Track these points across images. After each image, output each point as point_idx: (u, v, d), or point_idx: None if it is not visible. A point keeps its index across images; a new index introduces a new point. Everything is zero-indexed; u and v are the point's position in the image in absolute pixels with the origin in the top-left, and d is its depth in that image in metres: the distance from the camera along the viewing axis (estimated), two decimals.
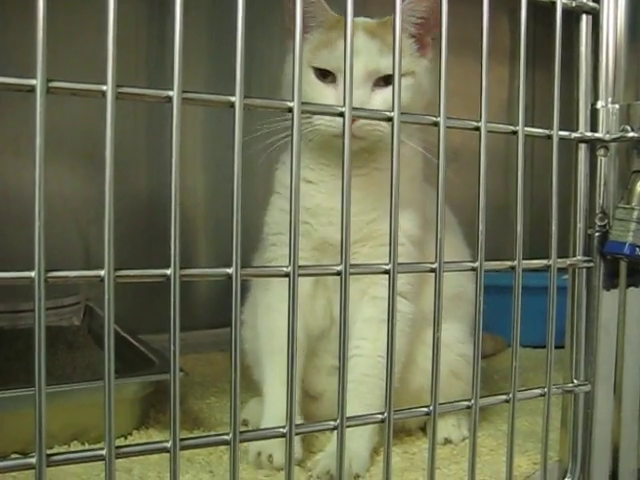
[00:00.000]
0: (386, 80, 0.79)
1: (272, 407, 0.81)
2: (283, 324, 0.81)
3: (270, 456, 0.75)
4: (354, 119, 0.74)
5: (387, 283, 0.80)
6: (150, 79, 1.40)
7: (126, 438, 0.84)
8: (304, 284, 0.80)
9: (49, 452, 0.48)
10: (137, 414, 0.88)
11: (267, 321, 0.86)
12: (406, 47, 0.80)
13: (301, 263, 0.54)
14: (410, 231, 0.81)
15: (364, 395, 0.70)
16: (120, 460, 0.75)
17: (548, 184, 0.67)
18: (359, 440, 0.78)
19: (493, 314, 0.79)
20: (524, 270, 0.65)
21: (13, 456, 0.73)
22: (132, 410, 0.87)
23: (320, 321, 0.86)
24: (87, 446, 0.81)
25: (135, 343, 1.03)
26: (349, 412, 0.55)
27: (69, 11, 1.28)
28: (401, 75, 0.76)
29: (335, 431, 0.56)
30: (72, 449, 0.80)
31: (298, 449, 0.77)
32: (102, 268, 0.48)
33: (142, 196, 1.42)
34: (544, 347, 0.68)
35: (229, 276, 0.53)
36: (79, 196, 1.37)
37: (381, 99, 0.78)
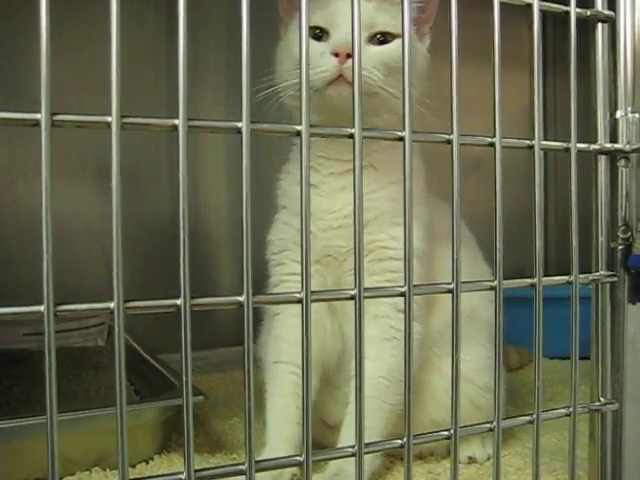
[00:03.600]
0: (381, 40, 0.78)
1: (273, 445, 0.80)
2: (289, 355, 0.82)
3: None
4: (344, 59, 0.74)
5: (388, 301, 0.79)
6: (170, 102, 1.41)
7: (147, 463, 0.84)
8: (316, 313, 0.78)
9: None
10: (158, 439, 0.87)
11: (273, 354, 0.84)
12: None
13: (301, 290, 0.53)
14: (414, 244, 0.78)
15: (365, 417, 0.68)
16: None
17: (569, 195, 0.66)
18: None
19: (517, 326, 0.77)
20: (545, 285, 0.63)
21: None
22: (153, 435, 0.87)
23: (332, 347, 0.85)
24: (108, 472, 0.81)
25: (156, 365, 1.03)
26: (349, 434, 0.54)
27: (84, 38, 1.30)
28: (396, 35, 0.77)
29: None
30: (93, 475, 0.80)
31: None
32: (112, 300, 0.48)
33: (165, 216, 1.42)
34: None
35: (241, 304, 0.52)
36: (102, 218, 1.37)
37: (373, 54, 0.77)
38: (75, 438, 0.79)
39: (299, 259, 0.81)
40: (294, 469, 0.77)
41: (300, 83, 0.52)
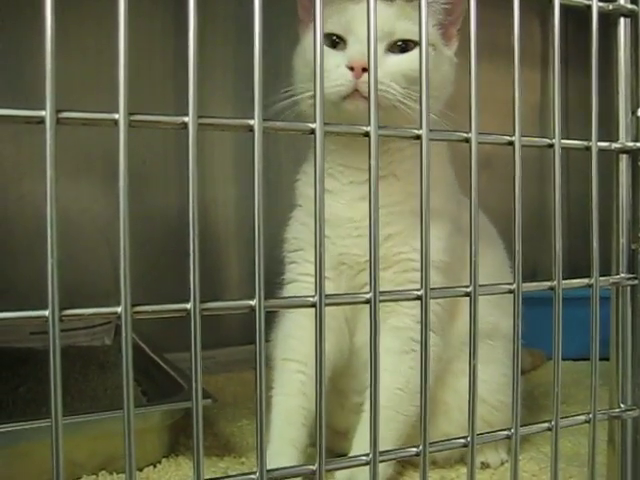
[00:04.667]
0: (402, 48, 0.75)
1: (276, 446, 0.78)
2: (298, 353, 0.80)
3: None
4: (359, 73, 0.71)
5: (409, 312, 0.78)
6: (177, 99, 1.39)
7: (155, 467, 0.83)
8: (327, 317, 0.77)
9: None
10: (166, 442, 0.86)
11: (282, 351, 0.83)
12: (432, 21, 0.77)
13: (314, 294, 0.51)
14: (434, 256, 0.74)
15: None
16: None
17: (586, 194, 0.64)
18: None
19: (530, 328, 0.75)
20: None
21: None
22: (160, 438, 0.85)
23: (344, 354, 0.83)
24: (115, 476, 0.79)
25: (164, 365, 1.02)
26: (362, 443, 0.52)
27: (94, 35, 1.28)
28: (417, 43, 0.75)
29: None
30: (99, 479, 0.78)
31: None
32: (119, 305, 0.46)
33: (172, 215, 1.41)
34: (585, 359, 0.64)
35: (252, 309, 0.50)
36: (109, 216, 1.37)
37: (393, 64, 0.74)
38: (81, 441, 0.78)
39: (313, 259, 0.80)
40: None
41: (314, 82, 0.50)
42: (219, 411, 1.03)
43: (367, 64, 0.67)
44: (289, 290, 0.83)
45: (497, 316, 0.80)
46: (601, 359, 0.66)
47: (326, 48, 0.75)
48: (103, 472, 0.80)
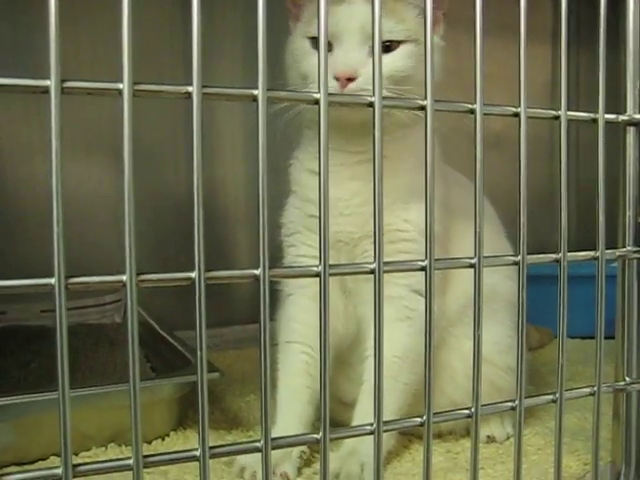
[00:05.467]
0: (386, 48, 0.75)
1: (283, 423, 0.79)
2: (301, 336, 0.81)
3: (254, 473, 0.72)
4: (345, 83, 0.71)
5: (401, 282, 0.78)
6: (187, 71, 1.38)
7: (163, 440, 0.84)
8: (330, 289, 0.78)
9: (75, 462, 0.46)
10: (174, 415, 0.87)
11: (286, 334, 0.84)
12: (411, 15, 0.76)
13: (319, 264, 0.51)
14: (423, 225, 0.74)
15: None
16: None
17: (595, 169, 0.63)
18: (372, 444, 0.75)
19: (538, 305, 0.75)
20: (569, 261, 0.61)
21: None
22: (169, 411, 0.86)
23: (345, 329, 0.84)
24: (124, 448, 0.80)
25: (172, 341, 1.02)
26: (363, 413, 0.53)
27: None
28: (401, 41, 0.74)
29: None
30: (109, 451, 0.79)
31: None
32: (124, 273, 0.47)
33: (183, 194, 1.41)
34: (593, 338, 0.64)
35: (256, 278, 0.50)
36: (118, 194, 1.37)
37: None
38: (90, 414, 0.78)
39: (309, 242, 0.81)
40: (303, 447, 0.76)
41: (318, 56, 0.50)
42: (227, 387, 1.04)
43: (352, 74, 0.67)
44: None
45: (496, 279, 0.81)
46: (608, 337, 0.66)
47: (312, 51, 0.75)
48: (112, 444, 0.81)
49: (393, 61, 0.74)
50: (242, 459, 0.74)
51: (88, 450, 0.79)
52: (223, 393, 1.02)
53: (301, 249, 0.82)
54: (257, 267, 0.50)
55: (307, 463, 0.78)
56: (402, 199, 0.78)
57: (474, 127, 0.56)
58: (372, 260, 0.54)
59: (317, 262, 0.51)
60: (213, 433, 0.83)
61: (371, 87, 0.70)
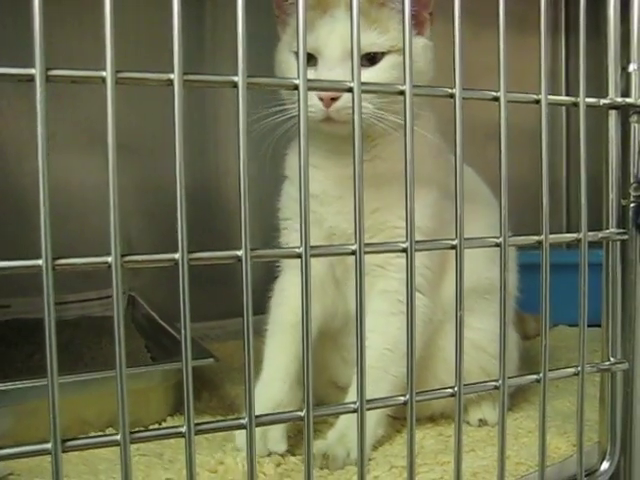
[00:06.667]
0: (371, 59, 0.75)
1: (267, 374, 0.80)
2: (290, 299, 0.82)
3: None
4: (329, 103, 0.71)
5: (397, 276, 0.79)
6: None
7: (160, 425, 0.85)
8: (317, 278, 0.79)
9: (63, 438, 0.48)
10: (171, 401, 0.88)
11: (275, 299, 0.85)
12: (395, 23, 0.75)
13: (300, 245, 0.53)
14: (420, 222, 0.70)
15: (367, 386, 0.68)
16: (151, 445, 0.78)
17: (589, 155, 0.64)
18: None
19: (535, 294, 0.76)
20: (553, 245, 0.62)
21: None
22: (165, 397, 0.87)
23: (339, 316, 0.85)
24: None
25: (173, 332, 1.04)
26: (352, 399, 0.54)
27: None
28: (385, 52, 0.74)
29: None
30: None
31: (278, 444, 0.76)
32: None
33: (186, 183, 1.42)
34: (593, 326, 0.66)
35: (239, 259, 0.52)
36: (120, 185, 1.39)
37: (363, 80, 0.74)
38: (89, 400, 0.80)
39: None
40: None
41: (298, 45, 0.52)
42: (226, 375, 1.05)
43: (335, 94, 0.68)
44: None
45: (495, 272, 0.82)
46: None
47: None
48: (110, 429, 0.82)
49: (377, 75, 0.74)
50: (237, 442, 0.76)
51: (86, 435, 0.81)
52: (222, 381, 1.04)
53: (293, 235, 0.84)
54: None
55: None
56: (400, 198, 0.79)
57: (454, 111, 0.57)
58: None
59: None
60: (209, 419, 0.84)
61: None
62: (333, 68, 0.72)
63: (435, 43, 0.80)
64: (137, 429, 0.51)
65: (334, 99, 0.71)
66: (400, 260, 0.79)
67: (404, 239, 0.79)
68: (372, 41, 0.74)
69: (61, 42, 1.31)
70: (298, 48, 0.52)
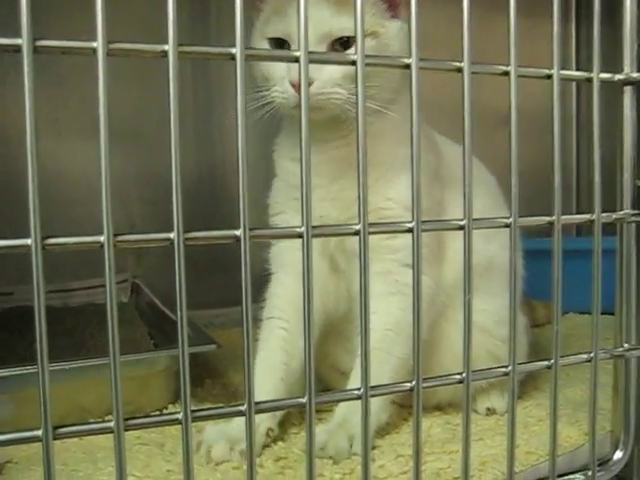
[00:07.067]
0: (344, 44, 0.72)
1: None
2: (281, 311, 0.81)
3: (209, 448, 0.71)
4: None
5: (391, 257, 0.78)
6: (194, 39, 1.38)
7: (161, 412, 0.83)
8: (318, 275, 0.76)
9: (55, 425, 0.47)
10: (172, 388, 0.86)
11: (267, 310, 0.84)
12: (369, 5, 0.73)
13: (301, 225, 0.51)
14: (407, 202, 0.66)
15: (371, 369, 0.66)
16: (153, 434, 0.77)
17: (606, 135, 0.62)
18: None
19: (544, 281, 0.74)
20: (563, 230, 0.60)
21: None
22: (167, 384, 0.86)
23: (339, 306, 0.84)
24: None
25: (174, 318, 1.02)
26: (355, 384, 0.52)
27: None
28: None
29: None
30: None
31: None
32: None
33: (192, 174, 1.41)
34: (606, 314, 0.63)
35: (237, 238, 0.50)
36: (123, 174, 1.38)
37: (333, 68, 0.71)
38: (88, 386, 0.79)
39: (293, 222, 0.80)
40: (270, 424, 0.76)
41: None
42: (229, 362, 1.04)
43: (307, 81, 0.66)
44: (273, 250, 0.85)
45: (493, 250, 0.80)
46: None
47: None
48: (110, 417, 0.81)
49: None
50: (204, 434, 0.73)
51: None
52: (226, 368, 1.02)
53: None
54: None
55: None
56: (385, 177, 0.78)
57: (462, 86, 0.55)
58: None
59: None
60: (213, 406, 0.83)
61: (327, 89, 0.71)
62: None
63: (448, 26, 0.77)
64: (131, 416, 0.49)
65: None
66: (391, 242, 0.79)
67: (391, 220, 0.79)
68: (343, 25, 0.72)
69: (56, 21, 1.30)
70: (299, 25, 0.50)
